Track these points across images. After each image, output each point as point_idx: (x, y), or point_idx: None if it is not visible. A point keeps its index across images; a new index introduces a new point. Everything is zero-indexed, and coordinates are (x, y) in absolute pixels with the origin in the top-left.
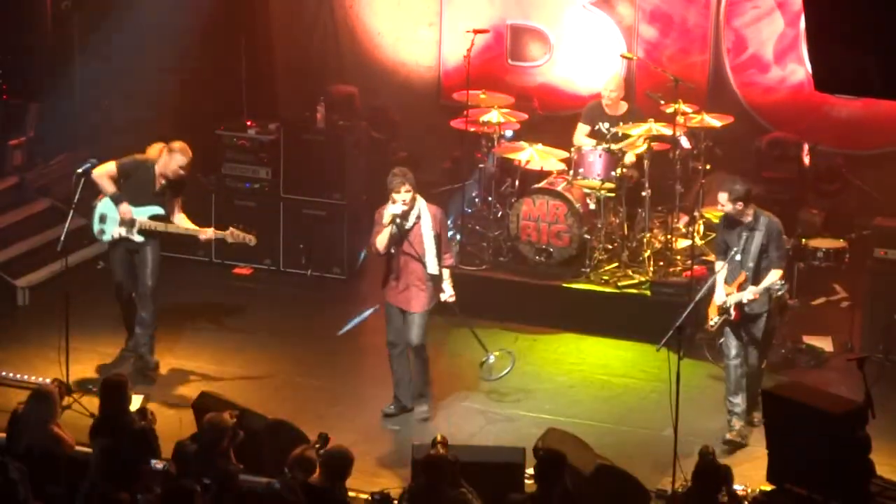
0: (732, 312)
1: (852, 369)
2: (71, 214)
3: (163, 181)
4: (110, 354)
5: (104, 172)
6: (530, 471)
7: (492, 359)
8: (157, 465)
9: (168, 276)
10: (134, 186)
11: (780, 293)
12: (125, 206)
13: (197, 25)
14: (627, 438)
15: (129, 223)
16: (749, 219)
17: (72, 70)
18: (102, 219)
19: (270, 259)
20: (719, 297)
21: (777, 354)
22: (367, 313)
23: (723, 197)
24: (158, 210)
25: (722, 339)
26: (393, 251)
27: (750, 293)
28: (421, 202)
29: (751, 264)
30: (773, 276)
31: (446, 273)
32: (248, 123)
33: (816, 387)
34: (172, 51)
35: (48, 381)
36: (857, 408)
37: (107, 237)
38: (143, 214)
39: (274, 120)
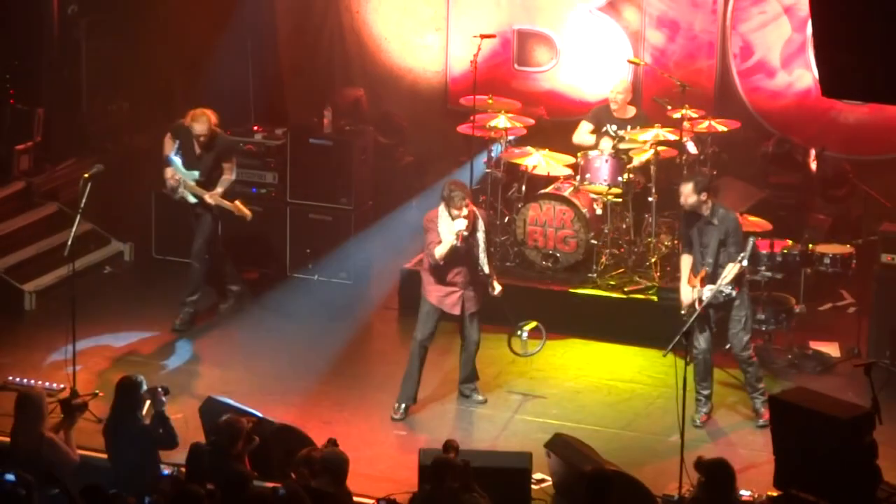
0: (697, 307)
1: (859, 375)
2: (78, 219)
3: (200, 146)
4: (116, 358)
5: (166, 137)
6: (537, 476)
7: (525, 335)
8: (167, 469)
9: (175, 280)
10: (184, 149)
11: (728, 296)
12: (169, 170)
13: (204, 30)
14: (634, 444)
15: (176, 183)
16: (707, 213)
17: (78, 75)
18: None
19: (277, 264)
20: (685, 292)
21: (783, 360)
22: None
23: (687, 188)
24: (196, 175)
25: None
26: (452, 259)
27: (708, 291)
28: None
29: (710, 259)
30: (731, 270)
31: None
32: (255, 128)
33: (823, 392)
34: (179, 56)
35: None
36: (865, 413)
37: (177, 196)
38: (189, 178)
39: (281, 125)
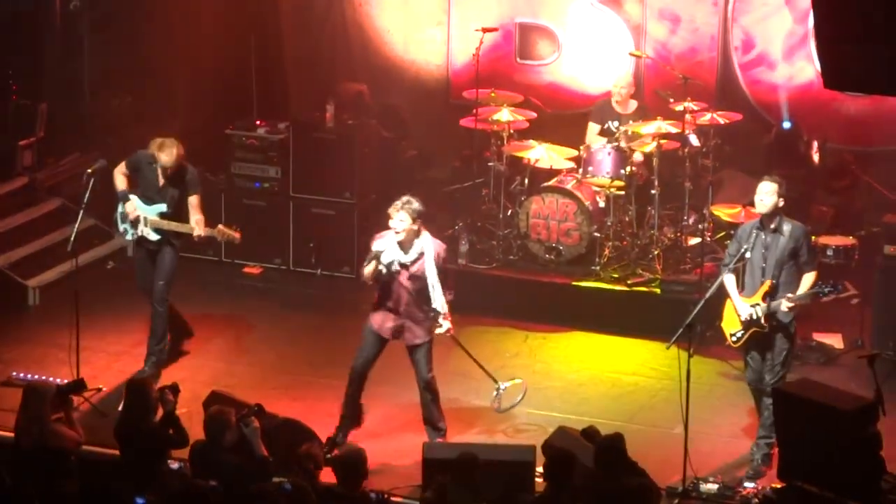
0: (765, 324)
1: (862, 366)
2: (81, 214)
3: (164, 177)
4: (120, 354)
5: (117, 169)
6: (541, 469)
7: (503, 388)
8: (173, 465)
9: (178, 275)
10: (144, 181)
11: (831, 293)
12: (129, 205)
13: (206, 24)
14: (637, 436)
15: (136, 220)
16: (775, 223)
17: (81, 70)
18: (123, 217)
19: (280, 258)
20: (743, 310)
21: None
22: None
23: (771, 187)
24: (162, 207)
25: (745, 360)
26: (391, 284)
27: (789, 303)
28: (425, 238)
29: (775, 272)
30: (809, 280)
31: (446, 307)
32: (258, 122)
33: (827, 384)
34: (182, 50)
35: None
36: (868, 405)
37: (129, 236)
38: (152, 212)
39: (283, 119)
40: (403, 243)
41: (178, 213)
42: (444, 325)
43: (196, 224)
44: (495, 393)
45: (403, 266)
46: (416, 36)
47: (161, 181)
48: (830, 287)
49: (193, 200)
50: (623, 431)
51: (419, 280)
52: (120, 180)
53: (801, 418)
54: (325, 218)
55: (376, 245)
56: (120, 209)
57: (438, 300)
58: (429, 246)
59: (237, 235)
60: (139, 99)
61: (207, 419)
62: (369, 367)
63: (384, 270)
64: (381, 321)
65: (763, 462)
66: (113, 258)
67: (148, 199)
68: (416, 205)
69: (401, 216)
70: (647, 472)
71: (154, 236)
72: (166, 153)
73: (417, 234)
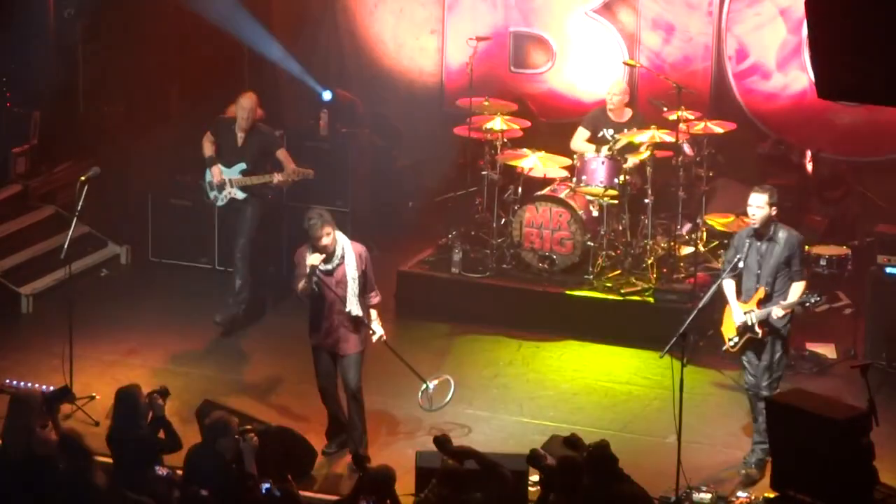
0: (758, 330)
1: (855, 376)
2: (74, 222)
3: (243, 135)
4: (113, 361)
5: (205, 138)
6: (534, 478)
7: (431, 387)
8: (161, 471)
9: (172, 283)
10: (224, 146)
11: (817, 303)
12: (214, 168)
13: (199, 34)
14: (631, 445)
15: (221, 183)
16: (770, 231)
17: (74, 78)
18: (211, 185)
19: (273, 266)
20: (738, 316)
21: None
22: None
23: (761, 199)
24: (243, 165)
25: (743, 365)
26: (321, 296)
27: (780, 310)
28: (344, 241)
29: (769, 279)
30: (799, 289)
31: (374, 313)
32: None
33: (820, 394)
34: (175, 58)
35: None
36: (861, 415)
37: (220, 202)
38: (234, 172)
39: (277, 127)
40: (326, 257)
41: (260, 171)
42: (378, 330)
43: (278, 174)
44: (421, 393)
45: (328, 273)
46: (410, 45)
47: (240, 141)
48: (817, 297)
49: (282, 154)
50: (616, 440)
51: (344, 284)
52: (207, 147)
53: (794, 428)
54: None
55: (310, 259)
56: (207, 177)
57: (353, 304)
58: (348, 247)
59: (311, 171)
60: (133, 107)
61: (210, 422)
62: (332, 383)
63: (315, 279)
64: (319, 336)
65: (756, 468)
66: (106, 266)
67: (229, 161)
68: (328, 214)
69: (327, 230)
70: (632, 477)
71: (241, 195)
72: (245, 98)
73: (336, 241)
